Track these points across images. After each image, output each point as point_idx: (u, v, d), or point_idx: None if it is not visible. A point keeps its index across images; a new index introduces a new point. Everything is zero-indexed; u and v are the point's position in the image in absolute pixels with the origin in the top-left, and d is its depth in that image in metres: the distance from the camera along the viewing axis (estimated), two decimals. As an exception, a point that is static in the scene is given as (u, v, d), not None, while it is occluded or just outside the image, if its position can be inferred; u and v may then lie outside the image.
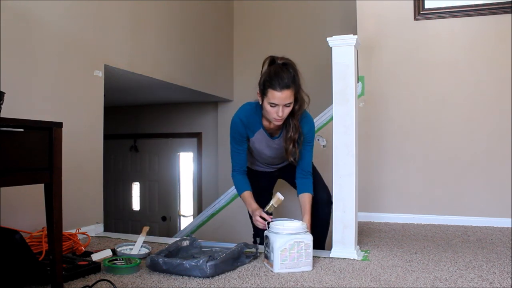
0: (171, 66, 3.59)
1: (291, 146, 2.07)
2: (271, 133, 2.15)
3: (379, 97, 3.09)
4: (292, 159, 2.11)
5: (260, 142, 2.16)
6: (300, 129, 2.07)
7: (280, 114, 1.95)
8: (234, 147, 2.17)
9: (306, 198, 2.12)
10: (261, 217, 2.02)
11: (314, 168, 2.35)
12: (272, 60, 2.03)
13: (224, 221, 3.52)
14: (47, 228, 1.46)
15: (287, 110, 1.97)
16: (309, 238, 1.82)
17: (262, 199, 2.25)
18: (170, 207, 5.42)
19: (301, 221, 1.93)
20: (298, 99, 2.02)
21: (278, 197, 2.02)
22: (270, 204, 2.04)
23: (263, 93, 1.97)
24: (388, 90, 3.08)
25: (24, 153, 1.37)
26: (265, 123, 2.12)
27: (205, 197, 5.08)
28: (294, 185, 2.33)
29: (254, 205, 2.11)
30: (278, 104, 1.93)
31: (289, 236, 1.80)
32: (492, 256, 2.05)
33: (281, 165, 2.38)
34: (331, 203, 2.12)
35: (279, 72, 1.94)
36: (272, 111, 1.96)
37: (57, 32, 2.44)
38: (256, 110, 2.11)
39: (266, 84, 1.94)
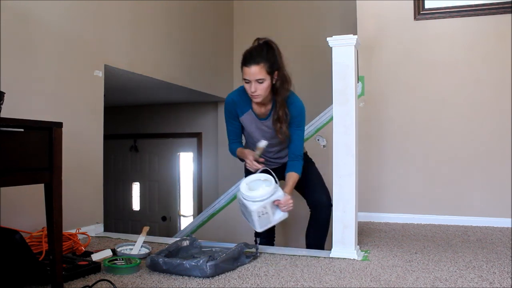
0: (171, 66, 3.59)
1: (278, 126, 2.13)
2: (259, 115, 2.20)
3: (379, 97, 3.09)
4: (281, 137, 2.15)
5: (250, 123, 2.23)
6: (287, 109, 2.13)
7: (253, 89, 2.03)
8: (229, 122, 2.26)
9: (290, 176, 2.14)
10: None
11: (315, 170, 2.36)
12: (257, 40, 2.14)
13: (224, 221, 3.52)
14: (47, 228, 1.46)
15: (260, 87, 2.04)
16: (253, 209, 1.96)
17: None
18: (170, 207, 5.41)
19: (264, 190, 1.98)
20: (278, 77, 2.08)
21: (258, 146, 2.12)
22: (257, 153, 2.13)
23: (241, 70, 2.07)
24: (388, 90, 3.08)
25: (24, 153, 1.37)
26: (254, 106, 2.19)
27: (205, 197, 5.07)
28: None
29: (246, 152, 2.17)
30: (250, 79, 2.02)
31: (239, 195, 2.05)
32: (492, 256, 2.05)
33: (278, 161, 2.37)
34: (331, 205, 2.12)
35: (251, 50, 2.06)
36: (247, 87, 2.06)
37: (57, 32, 2.44)
38: (240, 94, 2.21)
39: (241, 62, 2.06)
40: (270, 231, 2.51)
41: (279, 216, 2.06)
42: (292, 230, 3.19)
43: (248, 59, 2.02)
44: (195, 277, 1.71)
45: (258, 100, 2.09)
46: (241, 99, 2.19)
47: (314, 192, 2.20)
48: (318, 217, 2.19)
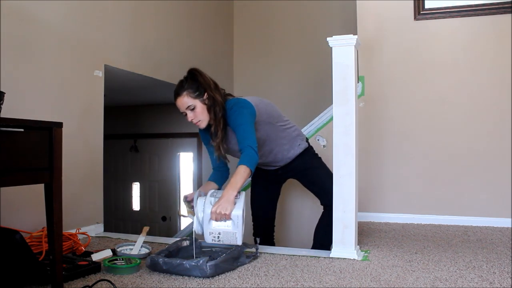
0: (171, 66, 3.59)
1: (219, 148, 2.10)
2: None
3: (379, 97, 3.09)
4: (223, 152, 2.14)
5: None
6: (226, 125, 2.11)
7: (190, 119, 2.08)
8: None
9: (236, 170, 1.95)
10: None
11: (325, 167, 2.35)
12: None
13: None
14: (47, 228, 1.46)
15: (196, 113, 2.07)
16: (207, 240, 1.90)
17: (266, 198, 2.42)
18: (170, 207, 5.41)
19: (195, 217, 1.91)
20: (208, 97, 2.07)
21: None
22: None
23: None
24: (388, 90, 3.08)
25: (24, 153, 1.37)
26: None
27: (205, 197, 5.06)
28: (305, 184, 2.39)
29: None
30: (182, 111, 2.09)
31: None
32: (492, 256, 2.05)
33: (275, 165, 2.35)
34: (330, 206, 2.10)
35: (176, 87, 2.11)
36: (187, 120, 2.11)
37: (57, 32, 2.44)
38: None
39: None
40: (268, 228, 2.52)
41: (234, 224, 1.87)
42: (293, 229, 3.19)
43: (174, 95, 2.09)
44: (195, 277, 1.71)
45: (203, 125, 2.10)
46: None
47: (327, 192, 2.18)
48: (331, 217, 2.15)
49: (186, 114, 2.09)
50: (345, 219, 2.03)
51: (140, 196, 5.57)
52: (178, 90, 2.09)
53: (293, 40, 4.51)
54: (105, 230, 2.72)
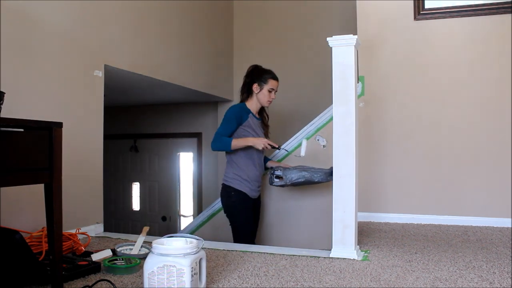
0: (171, 66, 3.59)
1: (266, 120, 2.89)
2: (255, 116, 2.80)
3: (379, 97, 3.09)
4: (267, 129, 2.88)
5: (254, 123, 2.72)
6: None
7: (273, 96, 2.77)
8: (231, 122, 2.63)
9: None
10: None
11: None
12: (256, 66, 2.83)
13: (224, 222, 3.51)
14: (47, 228, 1.46)
15: (274, 95, 2.79)
16: (184, 263, 1.41)
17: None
18: (170, 207, 5.41)
19: (192, 240, 1.54)
20: None
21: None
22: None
23: (264, 82, 2.72)
24: (388, 90, 3.08)
25: (24, 153, 1.37)
26: (253, 111, 2.77)
27: (205, 197, 5.07)
28: None
29: (249, 137, 2.65)
30: (275, 89, 2.76)
31: (159, 257, 1.44)
32: (492, 256, 2.05)
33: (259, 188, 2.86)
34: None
35: (270, 71, 2.78)
36: (268, 95, 2.74)
37: (57, 32, 2.44)
38: (243, 106, 2.78)
39: (267, 76, 2.74)
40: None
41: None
42: (293, 229, 3.19)
43: (276, 78, 2.76)
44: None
45: (270, 104, 2.79)
46: (244, 109, 2.73)
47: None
48: None
49: (271, 91, 2.72)
50: (345, 219, 2.03)
51: (140, 196, 5.57)
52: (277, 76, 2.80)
53: (293, 40, 4.51)
54: (105, 230, 2.72)
